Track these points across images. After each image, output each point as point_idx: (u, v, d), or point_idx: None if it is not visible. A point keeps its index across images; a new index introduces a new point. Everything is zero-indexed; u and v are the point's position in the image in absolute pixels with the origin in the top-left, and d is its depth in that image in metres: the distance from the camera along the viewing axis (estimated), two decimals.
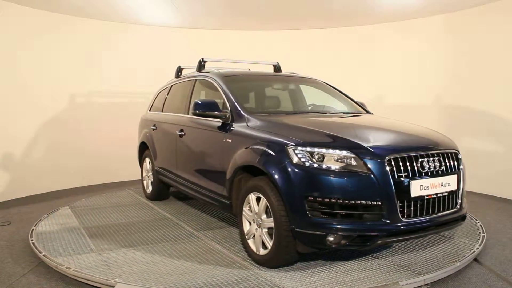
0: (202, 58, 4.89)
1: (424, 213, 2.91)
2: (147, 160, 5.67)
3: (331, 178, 2.80)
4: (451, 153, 3.14)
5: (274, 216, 2.99)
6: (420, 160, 2.92)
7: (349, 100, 4.56)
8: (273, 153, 3.05)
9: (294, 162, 2.90)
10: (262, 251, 3.18)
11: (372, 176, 2.77)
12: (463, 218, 3.20)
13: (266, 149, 3.13)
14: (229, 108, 3.81)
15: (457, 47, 6.30)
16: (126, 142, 6.83)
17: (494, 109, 5.84)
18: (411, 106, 6.81)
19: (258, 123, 3.50)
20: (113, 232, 4.13)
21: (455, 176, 3.09)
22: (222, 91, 4.01)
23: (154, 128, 5.38)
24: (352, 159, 2.82)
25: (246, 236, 3.37)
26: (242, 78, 4.47)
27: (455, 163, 3.13)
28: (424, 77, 6.66)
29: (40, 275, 3.24)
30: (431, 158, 2.98)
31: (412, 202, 2.85)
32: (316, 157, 2.87)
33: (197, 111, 3.84)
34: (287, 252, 3.00)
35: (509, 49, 5.62)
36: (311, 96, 4.64)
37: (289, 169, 2.90)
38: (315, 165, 2.85)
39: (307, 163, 2.87)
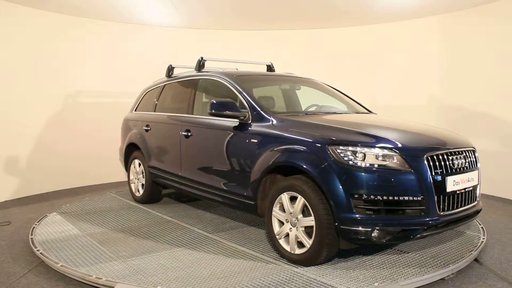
0: (202, 57, 4.79)
1: (455, 207, 3.09)
2: (136, 162, 5.45)
3: (376, 175, 2.88)
4: (470, 150, 3.36)
5: (315, 215, 3.02)
6: (450, 157, 3.10)
7: (353, 100, 4.69)
8: (313, 153, 3.08)
9: (338, 161, 2.95)
10: (298, 250, 3.20)
11: (413, 173, 2.89)
12: (479, 210, 3.44)
13: (304, 148, 3.15)
14: (248, 108, 3.77)
15: (457, 47, 6.30)
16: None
17: (493, 109, 5.85)
18: (410, 106, 6.82)
19: (286, 123, 3.50)
20: (122, 238, 3.93)
21: (476, 171, 3.32)
22: (238, 92, 3.96)
23: (147, 128, 5.18)
24: (394, 157, 2.93)
25: (277, 236, 3.37)
26: (253, 78, 4.44)
27: (475, 159, 3.36)
28: (423, 77, 6.67)
29: (40, 275, 3.22)
30: (458, 155, 3.17)
31: (447, 197, 3.01)
32: (359, 156, 2.94)
33: (213, 111, 3.77)
34: (329, 250, 3.05)
35: (508, 49, 5.65)
36: (316, 97, 4.71)
37: (333, 168, 2.94)
38: (359, 164, 2.92)
39: (350, 162, 2.93)
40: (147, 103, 5.57)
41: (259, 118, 3.65)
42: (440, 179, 2.98)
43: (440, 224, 2.97)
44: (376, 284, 2.86)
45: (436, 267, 3.12)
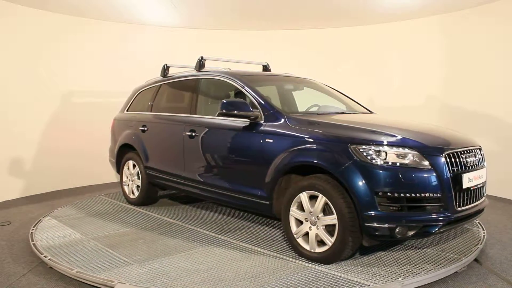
0: (202, 57, 4.74)
1: (469, 203, 3.22)
2: (131, 163, 5.31)
3: (398, 173, 2.96)
4: (478, 148, 3.51)
5: (338, 213, 3.07)
6: (464, 155, 3.23)
7: (353, 101, 4.78)
8: (335, 152, 3.12)
9: (361, 160, 3.01)
10: (318, 249, 3.23)
11: (433, 170, 2.99)
12: (486, 206, 3.59)
13: (326, 148, 3.19)
14: (259, 108, 3.77)
15: (457, 47, 6.31)
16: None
17: (493, 109, 5.86)
18: (410, 106, 6.82)
19: (302, 123, 3.52)
20: (129, 241, 3.82)
21: (484, 169, 3.47)
22: (248, 92, 3.95)
23: (143, 129, 5.05)
24: (415, 155, 3.01)
25: (296, 235, 3.39)
26: (259, 78, 4.43)
27: (482, 157, 3.51)
28: (423, 78, 6.68)
29: (40, 275, 3.21)
30: (470, 153, 3.31)
31: (463, 193, 3.14)
32: (382, 154, 3.01)
33: (224, 111, 3.75)
34: (352, 247, 3.11)
35: (508, 49, 5.67)
36: (315, 97, 4.76)
37: (357, 167, 3.00)
38: (382, 162, 2.99)
39: (373, 161, 2.99)
40: (140, 103, 5.45)
41: (273, 118, 3.66)
42: (457, 176, 3.10)
43: (457, 219, 3.09)
44: (400, 279, 2.93)
45: (451, 261, 3.24)
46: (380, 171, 2.97)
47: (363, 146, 3.05)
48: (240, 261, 3.32)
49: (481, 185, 3.37)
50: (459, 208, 3.10)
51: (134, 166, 5.27)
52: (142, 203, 5.22)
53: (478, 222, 4.33)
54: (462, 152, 3.23)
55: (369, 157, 3.01)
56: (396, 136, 3.16)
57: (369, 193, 2.95)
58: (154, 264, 3.25)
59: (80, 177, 6.79)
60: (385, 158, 3.00)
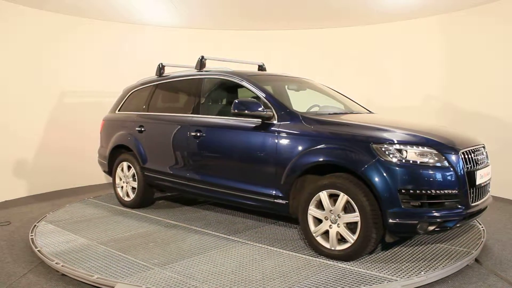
0: (202, 56, 4.68)
1: (479, 198, 3.38)
2: (125, 164, 5.15)
3: (420, 171, 3.06)
4: (483, 146, 3.69)
5: (360, 211, 3.13)
6: (474, 153, 3.38)
7: (352, 101, 4.88)
8: (358, 151, 3.18)
9: (385, 159, 3.08)
10: (339, 246, 3.29)
11: (451, 168, 3.12)
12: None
13: (348, 148, 3.24)
14: (272, 108, 3.78)
15: (457, 48, 6.31)
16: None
17: (493, 110, 5.86)
18: (410, 106, 6.81)
19: (319, 123, 3.56)
20: (140, 245, 3.71)
21: (490, 166, 3.65)
22: (259, 92, 3.95)
23: (140, 129, 4.92)
24: (433, 154, 3.13)
25: (314, 234, 3.42)
26: (266, 78, 4.42)
27: (487, 155, 3.69)
28: (423, 78, 6.68)
29: (40, 275, 3.21)
30: (479, 152, 3.47)
31: (475, 189, 3.29)
32: (404, 153, 3.10)
33: (236, 111, 3.73)
34: (374, 244, 3.18)
35: (508, 49, 5.67)
36: (316, 98, 4.81)
37: (381, 166, 3.07)
38: (404, 161, 3.08)
39: (395, 159, 3.08)
40: (134, 103, 5.31)
41: (288, 118, 3.67)
42: (470, 173, 3.24)
43: (471, 214, 3.24)
44: (422, 273, 3.03)
45: (463, 255, 3.39)
46: (403, 169, 3.06)
47: (385, 145, 3.13)
48: (261, 261, 3.31)
49: (488, 181, 3.54)
50: (472, 204, 3.24)
51: (129, 167, 5.12)
52: (137, 206, 5.08)
53: (478, 222, 4.37)
54: (473, 150, 3.39)
55: (391, 156, 3.09)
56: (415, 135, 3.27)
57: (393, 191, 3.04)
58: (176, 268, 3.18)
59: (81, 177, 6.77)
60: (407, 157, 3.10)
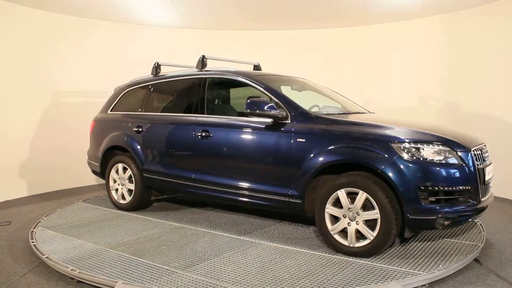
0: (203, 55, 4.63)
1: (486, 194, 3.56)
2: (120, 166, 5.00)
3: (437, 169, 3.19)
4: (485, 145, 3.87)
5: (380, 208, 3.21)
6: (481, 151, 3.55)
7: (350, 100, 4.98)
8: (378, 150, 3.26)
9: (404, 157, 3.18)
10: (358, 243, 3.35)
11: (465, 165, 3.26)
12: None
13: (367, 147, 3.30)
14: (284, 108, 3.79)
15: (457, 47, 6.30)
16: None
17: (493, 110, 5.86)
18: (410, 107, 6.81)
19: (333, 123, 3.61)
20: (153, 248, 3.62)
21: (492, 164, 3.84)
22: (269, 91, 3.96)
23: (138, 130, 4.79)
24: (447, 152, 3.26)
25: (332, 232, 3.47)
26: (273, 78, 4.42)
27: (488, 153, 3.88)
28: (423, 78, 6.68)
29: (40, 275, 3.24)
30: (484, 150, 3.65)
31: (484, 185, 3.45)
32: (422, 152, 3.21)
33: (249, 110, 3.73)
34: (393, 240, 3.27)
35: (508, 49, 5.67)
36: (315, 98, 4.87)
37: (401, 164, 3.17)
38: (422, 159, 3.19)
39: (414, 158, 3.19)
40: (128, 103, 5.17)
41: (302, 118, 3.70)
42: (482, 170, 3.40)
43: (481, 209, 3.40)
44: (440, 266, 3.15)
45: (472, 248, 3.55)
46: (422, 167, 3.17)
47: (404, 144, 3.23)
48: (282, 261, 3.32)
49: (492, 178, 3.73)
50: (482, 199, 3.41)
51: (125, 169, 4.97)
52: (134, 208, 4.94)
53: (478, 221, 4.37)
54: (480, 149, 3.56)
55: (410, 154, 3.19)
56: (432, 135, 3.38)
57: (413, 188, 3.14)
58: (199, 270, 3.13)
59: (81, 177, 6.74)
60: (424, 155, 3.21)
